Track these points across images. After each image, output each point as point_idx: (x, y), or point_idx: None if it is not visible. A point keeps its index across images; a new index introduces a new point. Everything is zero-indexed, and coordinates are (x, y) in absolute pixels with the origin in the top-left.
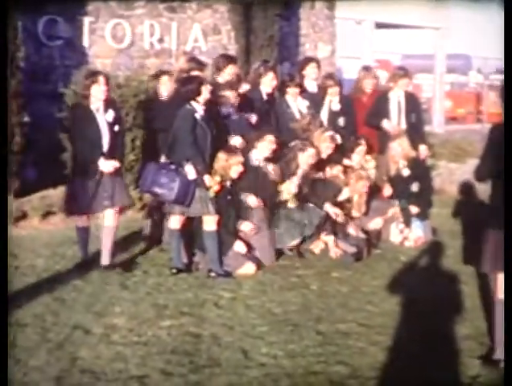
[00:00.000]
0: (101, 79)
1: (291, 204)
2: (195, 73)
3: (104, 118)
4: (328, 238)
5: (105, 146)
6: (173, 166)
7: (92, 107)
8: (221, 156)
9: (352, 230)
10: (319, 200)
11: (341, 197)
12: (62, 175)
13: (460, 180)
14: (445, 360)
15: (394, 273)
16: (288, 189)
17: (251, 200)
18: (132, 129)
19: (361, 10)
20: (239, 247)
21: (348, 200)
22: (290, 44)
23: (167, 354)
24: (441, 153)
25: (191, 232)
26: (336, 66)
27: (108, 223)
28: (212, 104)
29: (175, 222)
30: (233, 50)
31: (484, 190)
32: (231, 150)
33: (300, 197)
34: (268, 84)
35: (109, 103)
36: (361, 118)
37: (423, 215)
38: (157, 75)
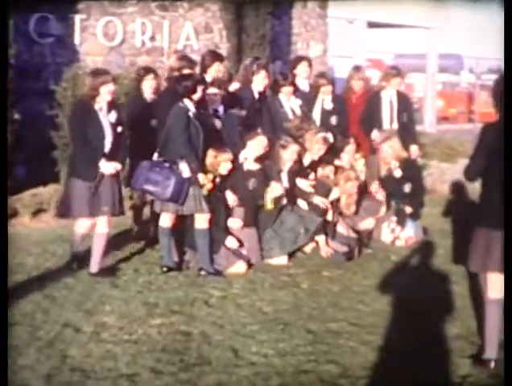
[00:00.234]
0: (110, 79)
1: (270, 206)
2: (186, 71)
3: (107, 119)
4: (319, 237)
5: (107, 147)
6: (167, 164)
7: (96, 107)
8: (210, 153)
9: (343, 229)
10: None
11: (331, 197)
12: (52, 173)
13: (451, 180)
14: (436, 360)
15: (385, 272)
16: (274, 189)
17: (229, 197)
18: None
19: (354, 10)
20: (231, 242)
21: (338, 200)
22: (282, 43)
23: (157, 352)
24: (433, 153)
25: (181, 230)
26: (328, 65)
27: (101, 230)
28: (202, 102)
29: (165, 220)
30: (224, 48)
31: (475, 189)
32: (220, 147)
33: (290, 197)
34: (260, 82)
35: (111, 103)
36: (351, 117)
37: (415, 215)
38: (143, 74)
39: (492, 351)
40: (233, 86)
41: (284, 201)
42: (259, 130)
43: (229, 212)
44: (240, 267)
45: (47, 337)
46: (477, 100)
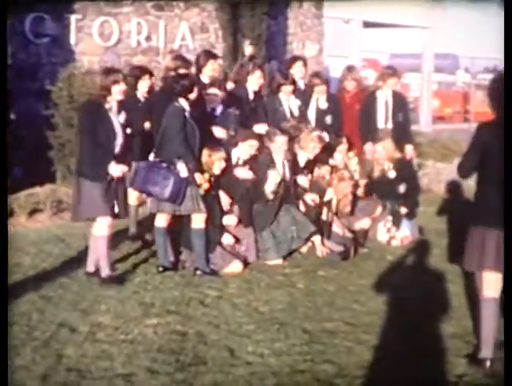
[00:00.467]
0: (122, 78)
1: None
2: (182, 71)
3: (117, 119)
4: (314, 237)
5: (117, 149)
6: (164, 165)
7: (107, 106)
8: (204, 152)
9: (338, 229)
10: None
11: (326, 197)
12: (48, 173)
13: (447, 179)
14: (431, 359)
15: (381, 272)
16: (273, 177)
17: (223, 199)
18: None
19: (349, 10)
20: (227, 239)
21: (332, 201)
22: (277, 43)
23: (153, 352)
24: (428, 153)
25: (177, 229)
26: (323, 65)
27: (102, 232)
28: (198, 102)
29: (161, 220)
30: (220, 48)
31: (470, 188)
32: (214, 146)
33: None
34: (255, 82)
35: (121, 103)
36: (345, 117)
37: (410, 215)
38: (140, 74)
39: (487, 351)
40: (230, 85)
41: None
42: (253, 130)
43: (224, 211)
44: (236, 266)
45: (43, 337)
46: (473, 100)
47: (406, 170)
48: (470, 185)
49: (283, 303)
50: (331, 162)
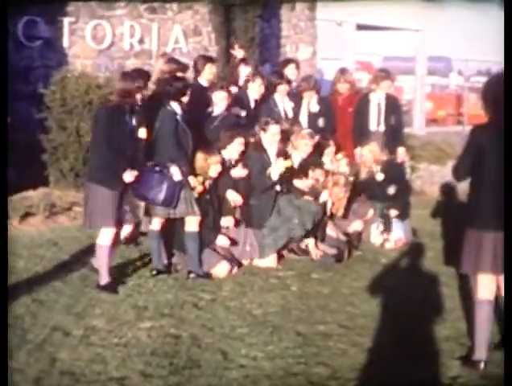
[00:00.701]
0: (145, 83)
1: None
2: (179, 74)
3: (131, 123)
4: (308, 240)
5: (130, 154)
6: (158, 168)
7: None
8: (200, 156)
9: (332, 232)
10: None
11: (321, 200)
12: (41, 176)
13: (440, 182)
14: (425, 361)
15: (375, 274)
16: (278, 164)
17: (231, 194)
18: None
19: (342, 12)
20: (222, 241)
21: (326, 203)
22: (271, 46)
23: (147, 355)
24: (422, 155)
25: (170, 232)
26: (316, 67)
27: (106, 242)
28: (195, 105)
29: (155, 223)
30: (213, 51)
31: (464, 191)
32: (209, 150)
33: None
34: (256, 90)
35: (134, 106)
36: (337, 119)
37: (402, 216)
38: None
39: (481, 352)
40: (233, 89)
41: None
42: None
43: (218, 214)
44: (223, 268)
45: (37, 340)
46: (466, 103)
47: (395, 171)
48: (464, 187)
49: (277, 306)
50: (326, 166)
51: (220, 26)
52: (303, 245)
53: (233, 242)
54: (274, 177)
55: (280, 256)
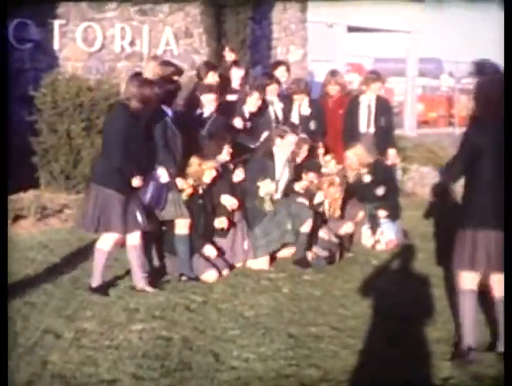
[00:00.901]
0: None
1: (267, 206)
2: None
3: (142, 125)
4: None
5: (143, 159)
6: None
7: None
8: (194, 161)
9: (324, 234)
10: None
11: (315, 201)
12: (32, 179)
13: (431, 183)
14: (417, 363)
15: (366, 276)
16: (266, 187)
17: (226, 199)
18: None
19: (333, 14)
20: (209, 250)
21: (321, 204)
22: (262, 48)
23: (138, 358)
24: (413, 157)
25: (161, 235)
26: (307, 69)
27: (107, 247)
28: (187, 107)
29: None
30: (204, 53)
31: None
32: (204, 155)
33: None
34: (253, 104)
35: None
36: (328, 121)
37: (392, 217)
38: None
39: (470, 339)
40: (231, 97)
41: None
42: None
43: (210, 221)
44: (211, 275)
45: (28, 343)
46: (457, 104)
47: (383, 172)
48: (456, 188)
49: (268, 308)
50: (323, 170)
51: (211, 28)
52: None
53: (221, 252)
54: (268, 208)
55: (272, 259)
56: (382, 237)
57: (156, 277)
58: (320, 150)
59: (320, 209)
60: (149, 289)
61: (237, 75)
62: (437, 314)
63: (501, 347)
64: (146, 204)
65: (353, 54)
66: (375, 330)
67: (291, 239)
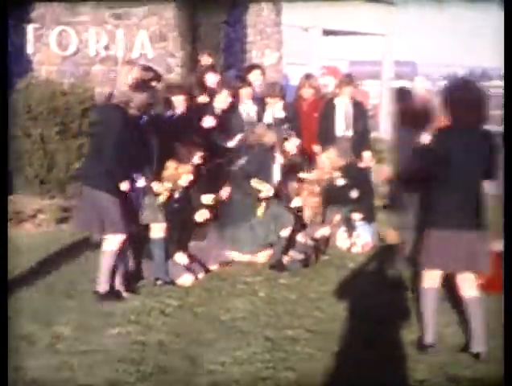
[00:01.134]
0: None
1: (259, 211)
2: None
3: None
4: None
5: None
6: None
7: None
8: (171, 164)
9: (301, 237)
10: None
11: (292, 205)
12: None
13: None
14: (392, 365)
15: (342, 279)
16: (266, 191)
17: (206, 199)
18: (78, 137)
19: (309, 17)
20: (180, 258)
21: (300, 210)
22: (236, 51)
23: (114, 363)
24: (388, 159)
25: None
26: (282, 73)
27: (113, 247)
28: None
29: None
30: (179, 57)
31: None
32: (181, 158)
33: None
34: (223, 101)
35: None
36: (302, 125)
37: (368, 219)
38: None
39: (430, 337)
40: (202, 99)
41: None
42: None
43: (185, 224)
44: (186, 280)
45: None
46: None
47: (357, 175)
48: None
49: (245, 311)
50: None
51: (185, 32)
52: (269, 251)
53: (193, 259)
54: (259, 213)
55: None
56: (358, 240)
57: (132, 281)
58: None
59: (299, 213)
60: (125, 294)
61: (212, 80)
62: (412, 316)
63: (476, 348)
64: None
65: (328, 57)
66: (351, 333)
67: (274, 240)
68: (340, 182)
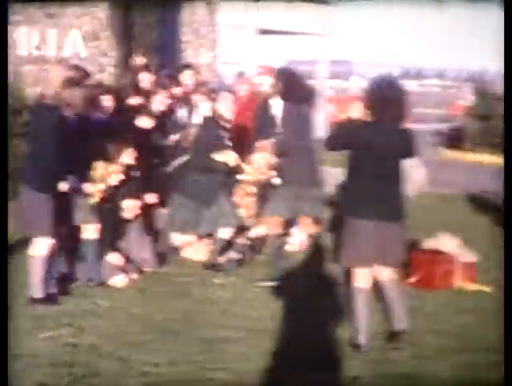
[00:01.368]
0: None
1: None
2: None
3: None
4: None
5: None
6: None
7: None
8: (99, 164)
9: (238, 237)
10: None
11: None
12: None
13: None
14: (328, 363)
15: (277, 277)
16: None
17: (127, 204)
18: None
19: (244, 17)
20: (113, 258)
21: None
22: (171, 50)
23: (45, 366)
24: (324, 159)
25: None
26: (217, 72)
27: (39, 252)
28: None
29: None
30: (112, 56)
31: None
32: (110, 158)
33: None
34: (160, 102)
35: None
36: (235, 123)
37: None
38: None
39: (363, 338)
40: (134, 100)
41: None
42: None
43: (117, 225)
44: (119, 280)
45: None
46: None
47: None
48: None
49: (179, 312)
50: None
51: (119, 31)
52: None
53: (126, 260)
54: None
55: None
56: (294, 239)
57: (65, 283)
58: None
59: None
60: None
61: (146, 80)
62: (347, 314)
63: (398, 326)
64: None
65: (264, 56)
66: (286, 331)
67: (205, 229)
68: (276, 181)
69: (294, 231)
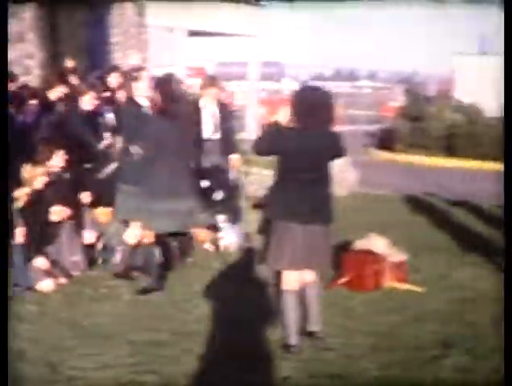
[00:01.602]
0: None
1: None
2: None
3: None
4: None
5: None
6: None
7: None
8: (27, 167)
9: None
10: None
11: None
12: None
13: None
14: (258, 364)
15: (207, 279)
16: None
17: (54, 211)
18: None
19: (174, 18)
20: (40, 262)
21: None
22: (100, 52)
23: None
24: (254, 161)
25: None
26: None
27: None
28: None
29: None
30: (39, 58)
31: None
32: (36, 161)
33: None
34: (88, 102)
35: None
36: None
37: (233, 220)
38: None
39: (293, 338)
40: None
41: None
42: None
43: (43, 229)
44: (46, 285)
45: None
46: None
47: (221, 177)
48: None
49: (108, 316)
50: None
51: (45, 33)
52: None
53: (54, 263)
54: None
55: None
56: (223, 241)
57: None
58: None
59: None
60: None
61: (74, 82)
62: (277, 315)
63: (312, 327)
64: None
65: (195, 58)
66: (216, 334)
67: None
68: (205, 183)
69: (223, 233)
